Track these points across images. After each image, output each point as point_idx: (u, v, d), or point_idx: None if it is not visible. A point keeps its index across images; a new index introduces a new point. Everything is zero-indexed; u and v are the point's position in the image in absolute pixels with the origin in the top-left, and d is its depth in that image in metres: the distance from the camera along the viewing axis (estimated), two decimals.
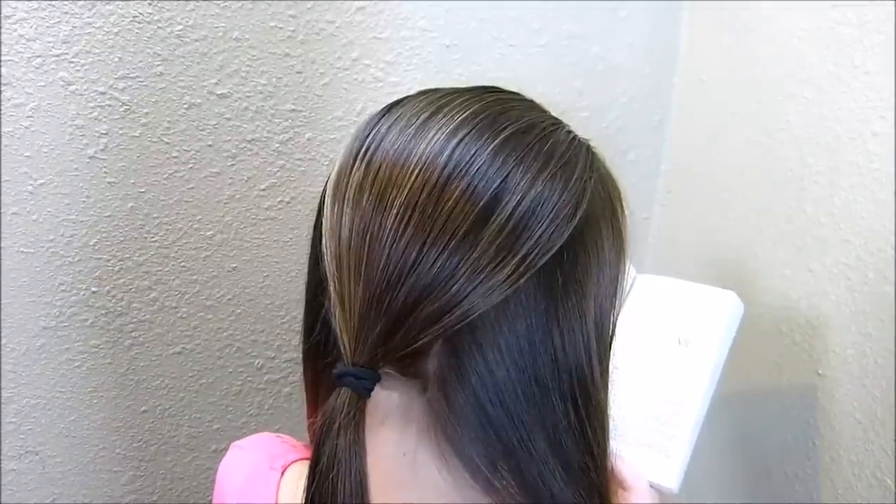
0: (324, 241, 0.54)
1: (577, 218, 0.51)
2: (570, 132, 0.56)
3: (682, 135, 1.34)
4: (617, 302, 0.57)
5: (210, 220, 1.12)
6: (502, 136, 0.51)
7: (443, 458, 0.54)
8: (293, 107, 1.11)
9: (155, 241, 1.11)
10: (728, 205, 1.21)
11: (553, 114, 0.58)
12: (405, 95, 0.57)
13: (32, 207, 1.03)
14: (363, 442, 0.50)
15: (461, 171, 0.49)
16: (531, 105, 0.57)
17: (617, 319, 0.58)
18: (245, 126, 1.09)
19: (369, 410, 0.53)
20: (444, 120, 0.52)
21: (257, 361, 1.24)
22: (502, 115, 0.53)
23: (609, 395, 0.58)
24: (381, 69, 1.14)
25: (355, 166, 0.53)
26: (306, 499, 0.51)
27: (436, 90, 0.57)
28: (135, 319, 1.14)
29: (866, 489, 0.99)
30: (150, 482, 1.27)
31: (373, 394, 0.52)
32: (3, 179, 1.01)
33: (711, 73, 1.25)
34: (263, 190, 1.14)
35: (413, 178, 0.50)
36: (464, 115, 0.52)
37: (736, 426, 1.21)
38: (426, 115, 0.53)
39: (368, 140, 0.54)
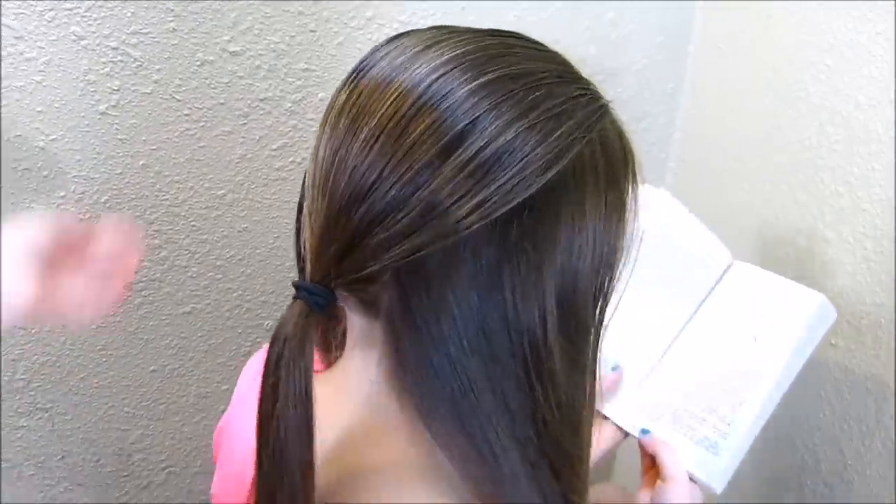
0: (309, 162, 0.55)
1: (551, 174, 0.49)
2: (582, 90, 0.54)
3: (696, 103, 1.32)
4: (606, 276, 0.55)
5: (221, 179, 1.12)
6: (485, 78, 0.50)
7: (398, 390, 0.55)
8: (306, 66, 1.10)
9: (166, 199, 1.10)
10: (742, 174, 1.20)
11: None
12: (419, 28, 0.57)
13: (43, 163, 1.02)
14: (309, 355, 0.50)
15: (432, 105, 0.49)
16: (544, 56, 0.55)
17: (607, 294, 0.56)
18: (257, 85, 1.08)
19: (350, 333, 0.57)
20: (434, 54, 0.51)
21: (267, 323, 1.23)
22: (495, 59, 0.51)
23: (583, 370, 0.56)
24: (396, 29, 1.13)
25: (342, 90, 0.54)
26: (259, 398, 0.52)
27: (446, 27, 0.55)
28: (144, 278, 1.14)
29: (875, 458, 0.99)
30: (159, 441, 1.27)
31: (351, 319, 0.57)
32: (14, 134, 1.00)
33: (728, 41, 1.23)
34: (275, 150, 1.13)
35: (386, 105, 0.50)
36: (454, 53, 0.51)
37: None
38: (420, 47, 0.52)
39: (361, 65, 0.54)
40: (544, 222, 0.50)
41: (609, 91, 0.57)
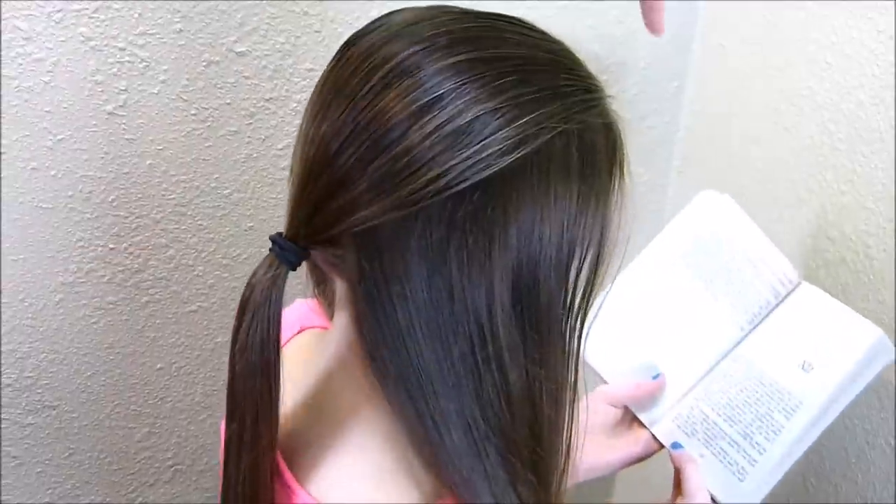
0: None
1: (510, 159, 0.49)
2: (570, 80, 0.53)
3: (700, 101, 1.33)
4: (579, 275, 0.55)
5: (227, 178, 1.12)
6: (456, 58, 0.50)
7: (360, 351, 0.56)
8: (311, 66, 1.10)
9: (172, 198, 1.11)
10: (746, 172, 1.20)
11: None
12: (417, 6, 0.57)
13: (51, 163, 1.03)
14: (275, 305, 0.54)
15: (399, 80, 0.49)
16: (533, 43, 0.54)
17: (582, 295, 0.56)
18: (263, 85, 1.09)
19: (337, 293, 0.60)
20: (416, 31, 0.52)
21: None
22: (473, 41, 0.51)
23: (548, 370, 0.56)
24: None
25: (333, 58, 0.56)
26: (232, 338, 0.56)
27: (439, 6, 0.56)
28: (151, 277, 1.15)
29: (879, 456, 1.00)
30: (165, 439, 1.28)
31: (334, 280, 0.59)
32: (22, 134, 1.01)
33: (731, 39, 1.23)
34: (281, 150, 1.13)
35: (360, 76, 0.51)
36: (434, 32, 0.51)
37: None
38: (404, 25, 0.53)
39: (354, 37, 0.56)
40: (497, 207, 0.50)
41: (613, 89, 0.57)
